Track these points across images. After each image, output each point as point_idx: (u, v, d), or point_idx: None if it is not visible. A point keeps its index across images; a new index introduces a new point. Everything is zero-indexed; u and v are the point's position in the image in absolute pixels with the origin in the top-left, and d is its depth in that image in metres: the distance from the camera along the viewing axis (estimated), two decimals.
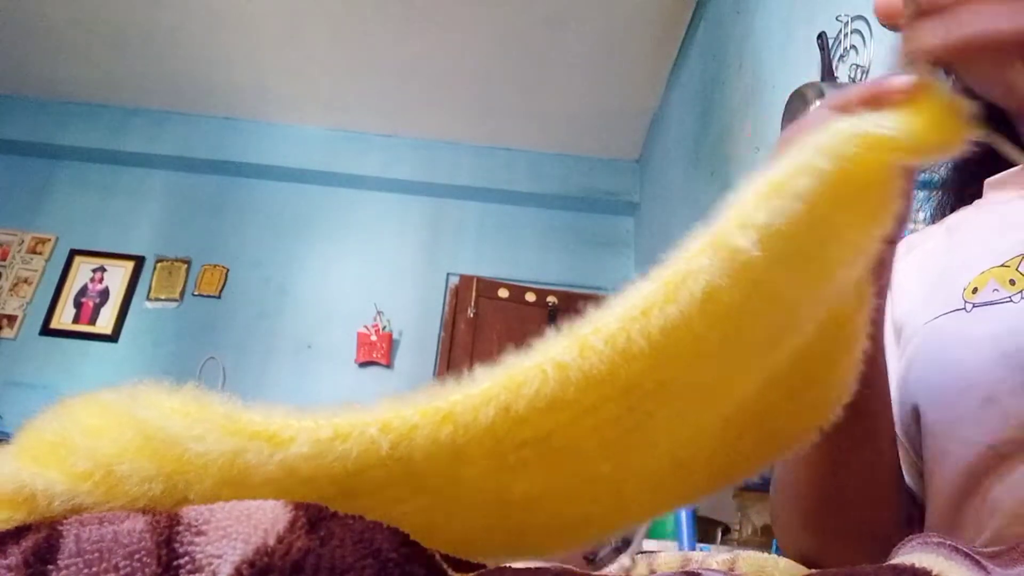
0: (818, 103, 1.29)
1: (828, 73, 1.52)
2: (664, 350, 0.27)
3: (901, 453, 0.53)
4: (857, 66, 1.44)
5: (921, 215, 0.66)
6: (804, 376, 0.35)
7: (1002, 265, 0.46)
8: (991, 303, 0.45)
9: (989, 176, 0.55)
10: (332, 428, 0.24)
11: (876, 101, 0.36)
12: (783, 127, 1.44)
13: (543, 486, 0.28)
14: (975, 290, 0.46)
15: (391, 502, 0.25)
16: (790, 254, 0.30)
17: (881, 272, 0.40)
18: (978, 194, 0.56)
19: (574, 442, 0.28)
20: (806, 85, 1.40)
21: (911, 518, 0.51)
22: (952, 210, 0.59)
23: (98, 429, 0.25)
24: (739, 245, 0.27)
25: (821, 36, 1.56)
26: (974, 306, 0.46)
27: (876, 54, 1.41)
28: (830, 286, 0.33)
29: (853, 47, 1.49)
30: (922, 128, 0.31)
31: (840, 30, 1.53)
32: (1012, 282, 0.44)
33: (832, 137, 0.30)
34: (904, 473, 0.52)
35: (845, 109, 0.37)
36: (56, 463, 0.25)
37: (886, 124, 0.31)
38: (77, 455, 0.25)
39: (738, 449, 0.36)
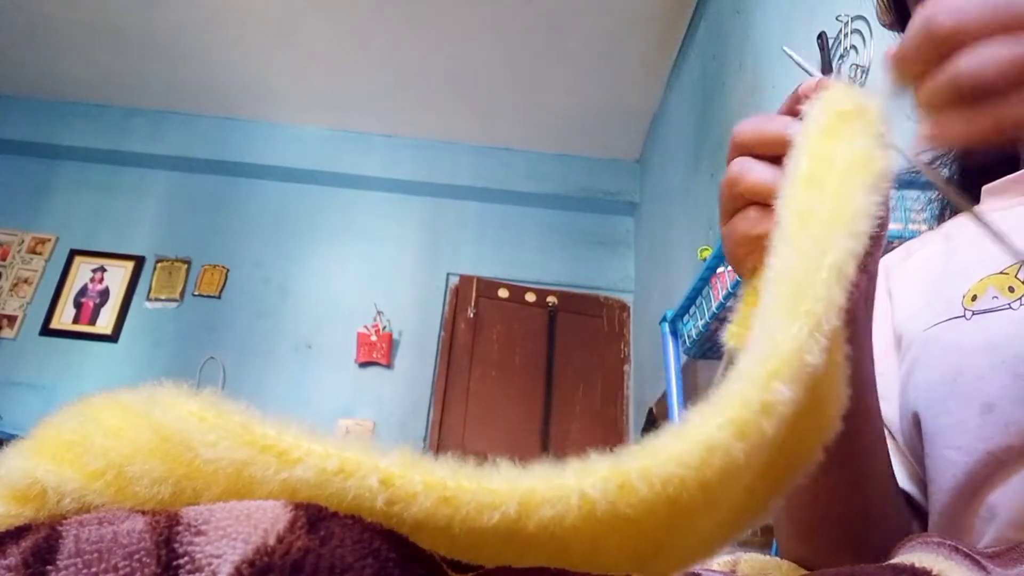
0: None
1: (828, 73, 1.52)
2: (716, 489, 0.25)
3: (902, 460, 0.53)
4: (857, 66, 1.44)
5: (920, 218, 0.66)
6: (804, 420, 0.35)
7: (1001, 272, 0.46)
8: (990, 310, 0.45)
9: (987, 183, 0.54)
10: (339, 461, 0.23)
11: (778, 142, 0.38)
12: None
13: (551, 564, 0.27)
14: (974, 297, 0.46)
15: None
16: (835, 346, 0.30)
17: (868, 293, 0.40)
18: (976, 201, 0.56)
19: (592, 555, 0.26)
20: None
21: (906, 526, 0.51)
22: (950, 216, 0.59)
23: (117, 430, 0.25)
24: (814, 361, 0.27)
25: (821, 36, 1.56)
26: (973, 313, 0.46)
27: (876, 54, 1.41)
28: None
29: (853, 47, 1.49)
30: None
31: (840, 30, 1.53)
32: (1011, 289, 0.44)
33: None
34: (905, 480, 0.52)
35: (754, 151, 0.39)
36: (71, 461, 0.25)
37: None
38: (92, 454, 0.25)
39: (753, 501, 0.35)
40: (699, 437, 0.24)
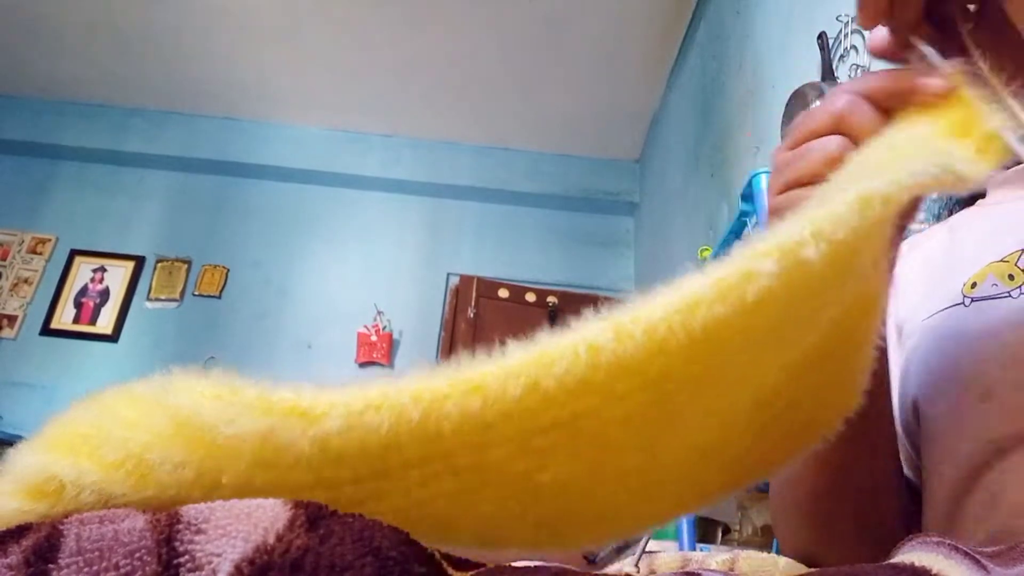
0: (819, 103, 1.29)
1: (828, 73, 1.52)
2: (703, 346, 0.26)
3: (900, 449, 0.53)
4: (857, 66, 1.44)
5: (925, 214, 0.66)
6: (825, 370, 0.35)
7: (1001, 260, 0.46)
8: (990, 298, 0.45)
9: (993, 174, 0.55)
10: (364, 400, 0.24)
11: (906, 97, 0.36)
12: (783, 127, 1.44)
13: (570, 474, 0.28)
14: (974, 285, 0.46)
15: (419, 484, 0.25)
16: (846, 271, 0.30)
17: (890, 267, 0.40)
18: (981, 193, 0.56)
19: (602, 430, 0.28)
20: (806, 85, 1.40)
21: (909, 513, 0.51)
22: (956, 209, 0.60)
23: (133, 420, 0.26)
24: (808, 256, 0.27)
25: (821, 36, 1.57)
26: (973, 301, 0.46)
27: None
28: (857, 289, 0.33)
29: (853, 47, 1.49)
30: (961, 157, 0.32)
31: (840, 30, 1.53)
32: (1011, 277, 0.44)
33: (901, 171, 0.30)
34: (907, 469, 0.52)
35: (874, 99, 0.38)
36: (88, 454, 0.25)
37: (936, 162, 0.30)
38: (109, 445, 0.25)
39: (762, 444, 0.36)
40: (686, 290, 0.27)
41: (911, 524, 0.51)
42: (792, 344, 0.32)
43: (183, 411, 0.25)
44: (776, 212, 0.40)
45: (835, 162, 0.37)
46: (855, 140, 0.37)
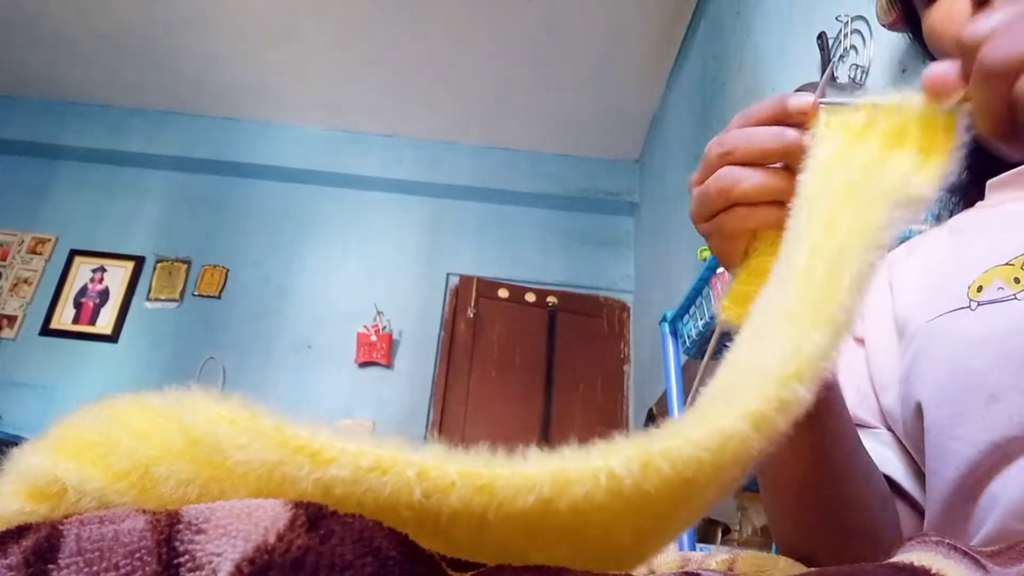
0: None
1: (828, 73, 1.52)
2: (729, 473, 0.26)
3: (899, 451, 0.53)
4: (857, 66, 1.44)
5: (924, 216, 0.66)
6: None
7: (1007, 263, 0.46)
8: (996, 301, 0.45)
9: (992, 177, 0.55)
10: (373, 458, 0.24)
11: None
12: None
13: (567, 556, 0.28)
14: (980, 288, 0.46)
15: (414, 537, 0.25)
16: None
17: None
18: (981, 195, 0.56)
19: (609, 532, 0.28)
20: (806, 85, 1.40)
21: (894, 515, 0.51)
22: (955, 211, 0.60)
23: (144, 431, 0.26)
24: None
25: (821, 36, 1.57)
26: (979, 304, 0.46)
27: (876, 54, 1.41)
28: None
29: (853, 47, 1.49)
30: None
31: (840, 30, 1.53)
32: (1017, 280, 0.44)
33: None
34: (901, 474, 0.52)
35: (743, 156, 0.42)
36: (94, 461, 0.25)
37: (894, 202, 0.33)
38: (117, 454, 0.25)
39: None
40: (719, 424, 0.26)
41: (912, 526, 0.52)
42: None
43: (198, 430, 0.25)
44: (709, 236, 0.45)
45: (729, 191, 0.41)
46: (754, 200, 0.42)
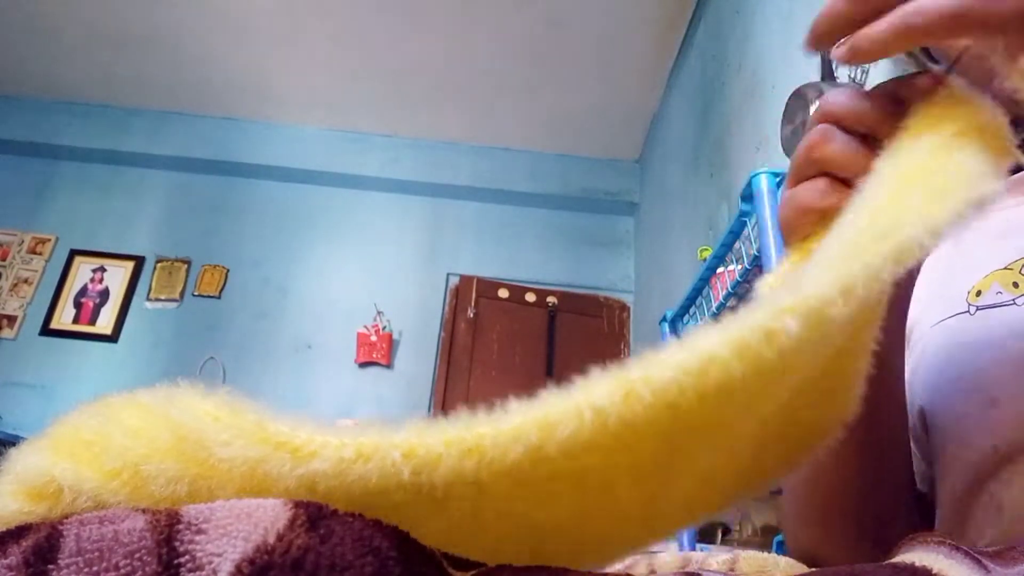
0: (816, 105, 1.29)
1: (828, 73, 1.52)
2: (715, 403, 0.25)
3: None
4: (857, 66, 1.44)
5: None
6: (822, 384, 0.34)
7: (1005, 268, 0.46)
8: (994, 306, 0.45)
9: None
10: (355, 448, 0.23)
11: (889, 106, 0.37)
12: (783, 127, 1.44)
13: (570, 512, 0.28)
14: (979, 293, 0.46)
15: (409, 522, 0.25)
16: (869, 319, 0.30)
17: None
18: None
19: (606, 477, 0.27)
20: (806, 85, 1.40)
21: (916, 516, 0.51)
22: None
23: (136, 430, 0.26)
24: (835, 315, 0.26)
25: None
26: (978, 309, 0.46)
27: None
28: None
29: None
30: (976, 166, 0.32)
31: None
32: (1015, 285, 0.45)
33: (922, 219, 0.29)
34: (915, 475, 0.52)
35: (848, 124, 0.39)
36: (89, 460, 0.25)
37: (962, 194, 0.30)
38: (109, 454, 0.25)
39: (763, 460, 0.36)
40: (700, 348, 0.25)
41: (918, 527, 0.51)
42: (798, 377, 0.32)
43: (184, 427, 0.25)
44: (784, 205, 0.41)
45: (816, 147, 0.38)
46: (841, 170, 0.38)
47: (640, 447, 0.26)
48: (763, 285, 0.39)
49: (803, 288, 0.26)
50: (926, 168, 0.33)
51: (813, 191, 0.38)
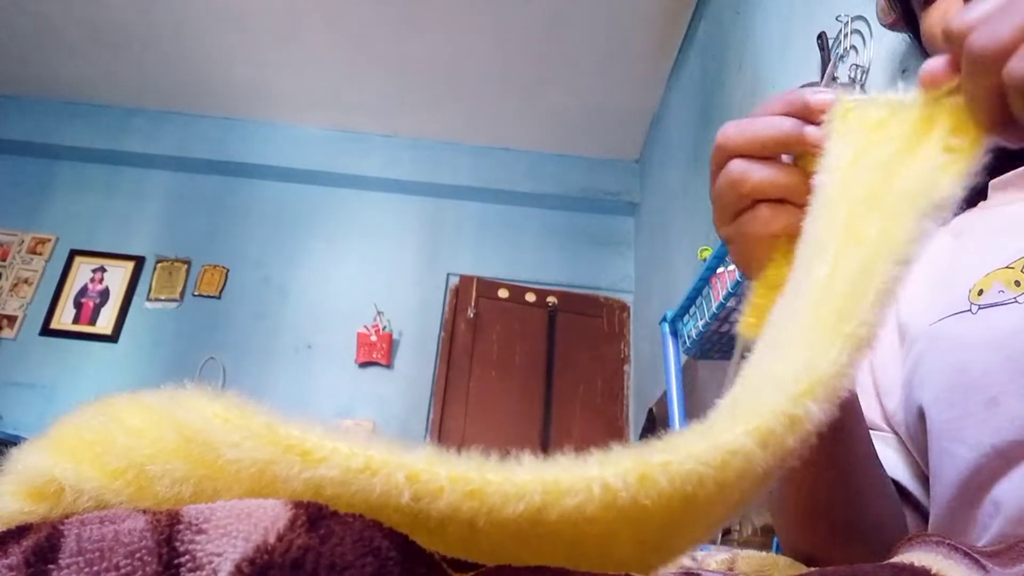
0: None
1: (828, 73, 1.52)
2: (731, 490, 0.25)
3: (903, 455, 0.53)
4: (857, 66, 1.44)
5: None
6: None
7: (1007, 267, 0.46)
8: (996, 304, 0.45)
9: (993, 178, 0.55)
10: (364, 459, 0.23)
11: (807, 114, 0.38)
12: None
13: (564, 563, 0.27)
14: (980, 292, 0.46)
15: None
16: None
17: None
18: (983, 196, 0.56)
19: (605, 544, 0.27)
20: (806, 85, 1.40)
21: (895, 512, 0.51)
22: (957, 212, 0.60)
23: (139, 430, 0.26)
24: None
25: (821, 36, 1.57)
26: (979, 308, 0.46)
27: (876, 54, 1.41)
28: None
29: (853, 47, 1.49)
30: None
31: (840, 30, 1.53)
32: (1017, 283, 0.44)
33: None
34: (906, 476, 0.52)
35: (747, 152, 0.39)
36: (91, 460, 0.25)
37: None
38: (112, 453, 0.25)
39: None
40: (723, 439, 0.25)
41: (916, 530, 0.51)
42: None
43: (191, 428, 0.25)
44: (731, 241, 0.42)
45: (740, 183, 0.39)
46: (774, 195, 0.39)
47: (646, 524, 0.26)
48: (744, 327, 0.40)
49: (816, 367, 0.27)
50: (874, 196, 0.33)
51: (755, 221, 0.39)
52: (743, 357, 0.35)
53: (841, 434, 0.44)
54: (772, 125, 0.38)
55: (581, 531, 0.25)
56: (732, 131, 0.39)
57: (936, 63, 0.33)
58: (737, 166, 0.39)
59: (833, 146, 0.36)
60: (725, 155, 0.40)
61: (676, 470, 0.24)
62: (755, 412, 0.26)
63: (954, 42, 0.32)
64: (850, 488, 0.47)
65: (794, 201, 0.39)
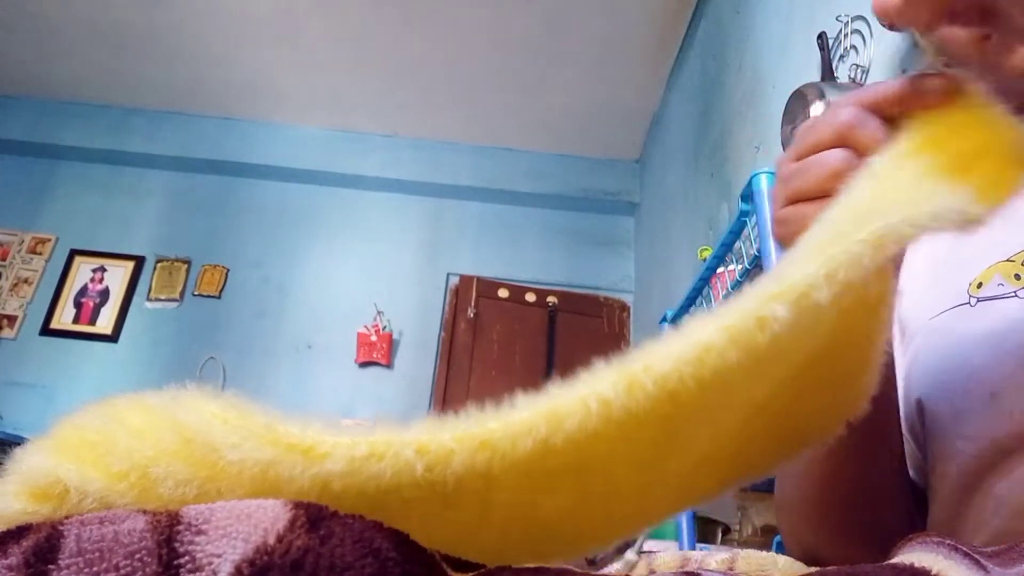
0: (819, 104, 1.29)
1: (828, 73, 1.52)
2: (713, 390, 0.27)
3: (906, 448, 0.53)
4: (857, 66, 1.44)
5: None
6: (823, 375, 0.35)
7: (1007, 260, 0.46)
8: (996, 298, 0.45)
9: None
10: (368, 446, 0.24)
11: (911, 103, 0.37)
12: (783, 127, 1.44)
13: (572, 501, 0.28)
14: (980, 285, 0.46)
15: (419, 519, 0.25)
16: (855, 306, 0.31)
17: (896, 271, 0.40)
18: None
19: (608, 465, 0.28)
20: (806, 85, 1.40)
21: (911, 513, 0.51)
22: None
23: (141, 431, 0.26)
24: (820, 300, 0.27)
25: (821, 36, 1.57)
26: (979, 301, 0.46)
27: (876, 54, 1.41)
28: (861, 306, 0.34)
29: (853, 47, 1.49)
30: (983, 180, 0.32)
31: (840, 30, 1.53)
32: (1017, 277, 0.44)
33: (910, 212, 0.30)
34: (909, 467, 0.52)
35: (878, 110, 0.38)
36: (94, 461, 0.25)
37: (952, 204, 0.31)
38: (116, 455, 0.25)
39: (754, 449, 0.36)
40: (696, 337, 0.26)
41: (915, 525, 0.51)
42: (793, 363, 0.32)
43: (191, 429, 0.25)
44: (780, 224, 0.41)
45: (839, 176, 0.37)
46: (860, 153, 0.37)
47: (641, 435, 0.27)
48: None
49: (788, 275, 0.28)
50: (920, 171, 0.33)
51: (839, 158, 0.38)
52: None
53: (870, 429, 0.43)
54: (908, 94, 0.37)
55: (586, 455, 0.26)
56: (850, 118, 0.38)
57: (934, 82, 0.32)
58: (840, 157, 0.38)
59: (920, 131, 0.36)
60: (835, 140, 0.39)
61: (658, 370, 0.25)
62: (726, 314, 0.27)
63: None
64: (869, 487, 0.47)
65: None
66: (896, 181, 0.33)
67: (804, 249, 0.31)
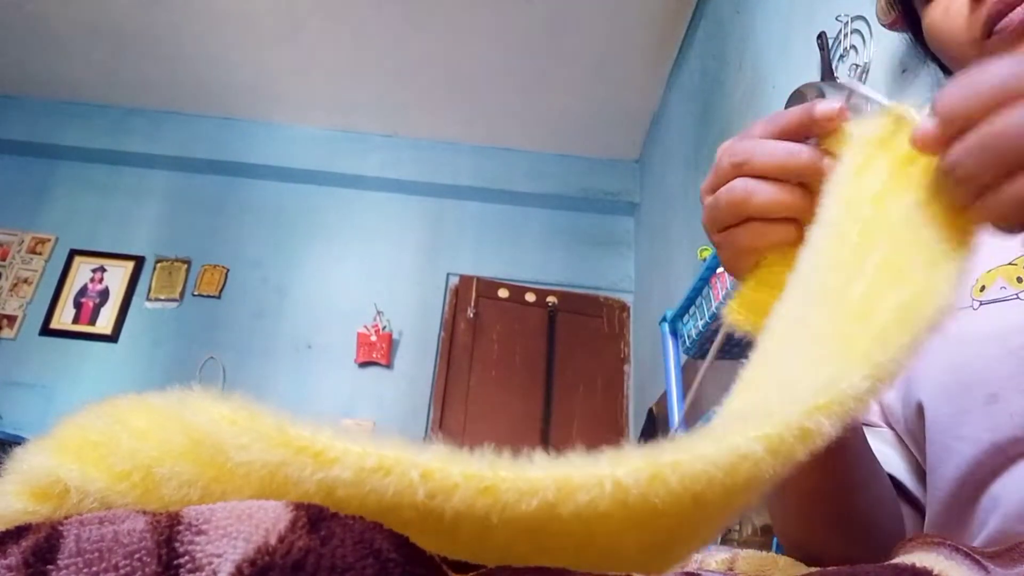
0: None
1: (828, 73, 1.52)
2: (739, 495, 0.26)
3: (900, 450, 0.53)
4: (857, 66, 1.44)
5: None
6: None
7: (1009, 263, 0.46)
8: (998, 300, 0.45)
9: None
10: (377, 459, 0.23)
11: (807, 130, 0.39)
12: None
13: (572, 562, 0.28)
14: (983, 288, 0.46)
15: (416, 537, 0.25)
16: None
17: None
18: None
19: (613, 542, 0.27)
20: (806, 85, 1.40)
21: (900, 521, 0.51)
22: None
23: (145, 431, 0.26)
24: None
25: (821, 36, 1.57)
26: (981, 303, 0.46)
27: (876, 54, 1.41)
28: None
29: (853, 47, 1.49)
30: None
31: (840, 30, 1.53)
32: (1019, 279, 0.44)
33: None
34: (903, 471, 0.52)
35: (780, 136, 0.40)
36: (96, 461, 0.25)
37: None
38: (118, 455, 0.25)
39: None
40: (734, 443, 0.25)
41: (913, 525, 0.51)
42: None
43: (199, 430, 0.25)
44: (719, 249, 0.43)
45: (744, 205, 0.39)
46: (761, 177, 0.39)
47: (655, 524, 0.26)
48: (727, 312, 0.41)
49: (837, 387, 0.27)
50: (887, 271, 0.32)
51: (748, 233, 0.40)
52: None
53: (842, 453, 0.44)
54: (793, 155, 0.39)
55: (591, 530, 0.25)
56: (743, 150, 0.40)
57: (928, 131, 0.31)
58: (742, 185, 0.40)
59: (843, 166, 0.36)
60: (733, 172, 0.40)
61: (687, 470, 0.24)
62: (767, 418, 0.26)
63: (945, 125, 0.30)
64: (845, 483, 0.47)
65: (793, 218, 0.39)
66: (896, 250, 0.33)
67: (840, 341, 0.31)
